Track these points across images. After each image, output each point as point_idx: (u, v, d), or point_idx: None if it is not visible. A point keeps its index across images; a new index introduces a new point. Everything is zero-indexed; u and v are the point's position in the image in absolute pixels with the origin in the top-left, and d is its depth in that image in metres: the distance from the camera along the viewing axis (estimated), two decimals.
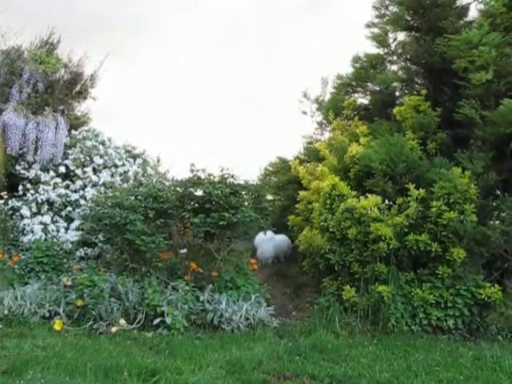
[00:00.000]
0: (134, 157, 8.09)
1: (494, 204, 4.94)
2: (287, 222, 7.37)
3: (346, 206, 5.11)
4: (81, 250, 6.57)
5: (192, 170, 5.85)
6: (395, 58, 6.22)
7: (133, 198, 5.79)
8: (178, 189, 5.86)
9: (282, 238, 7.95)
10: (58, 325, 4.75)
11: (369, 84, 7.40)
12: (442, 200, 4.74)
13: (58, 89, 7.76)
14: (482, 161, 4.79)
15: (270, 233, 7.33)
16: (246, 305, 5.21)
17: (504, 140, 4.73)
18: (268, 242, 7.41)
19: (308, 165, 7.18)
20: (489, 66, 4.64)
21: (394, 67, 6.42)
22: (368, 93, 7.48)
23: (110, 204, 5.57)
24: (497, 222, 4.68)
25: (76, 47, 8.15)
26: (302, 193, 6.56)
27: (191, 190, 5.66)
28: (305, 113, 8.49)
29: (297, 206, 6.69)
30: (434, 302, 4.97)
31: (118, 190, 5.95)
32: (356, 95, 7.68)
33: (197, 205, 5.52)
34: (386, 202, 5.24)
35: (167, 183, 8.18)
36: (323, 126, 8.25)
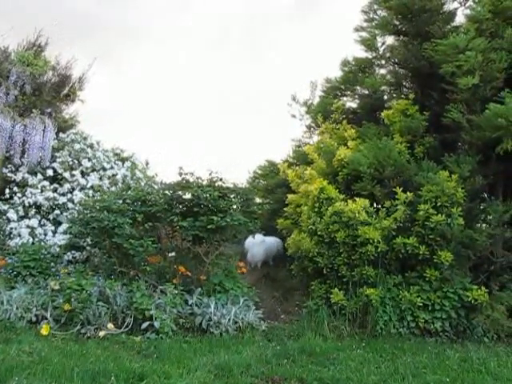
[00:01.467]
0: (123, 160, 8.04)
1: (481, 207, 4.99)
2: (276, 226, 7.38)
3: (334, 209, 5.14)
4: (68, 253, 6.51)
5: (180, 174, 5.84)
6: (383, 61, 6.26)
7: (121, 201, 5.76)
8: (167, 192, 5.84)
9: (272, 241, 7.96)
10: (45, 329, 4.70)
11: (357, 88, 7.45)
12: (429, 203, 4.78)
13: (45, 91, 7.70)
14: (469, 165, 4.84)
15: (259, 236, 7.34)
16: (234, 308, 5.20)
17: (490, 144, 4.79)
18: (259, 245, 7.41)
19: (297, 168, 7.21)
20: (475, 70, 4.70)
21: (383, 71, 6.49)
22: (357, 96, 7.53)
23: (98, 207, 5.53)
24: (483, 225, 4.72)
25: (65, 50, 8.09)
26: (290, 196, 6.58)
27: (180, 193, 5.64)
28: (294, 116, 8.53)
29: (285, 209, 6.71)
30: (421, 304, 5.01)
31: (107, 193, 5.91)
32: (345, 99, 7.73)
33: (185, 208, 5.50)
34: (375, 205, 5.27)
35: (156, 186, 8.19)
36: (312, 129, 8.29)
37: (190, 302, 5.29)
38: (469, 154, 4.94)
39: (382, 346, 4.68)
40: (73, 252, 6.56)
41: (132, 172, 7.79)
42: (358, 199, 5.11)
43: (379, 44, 6.08)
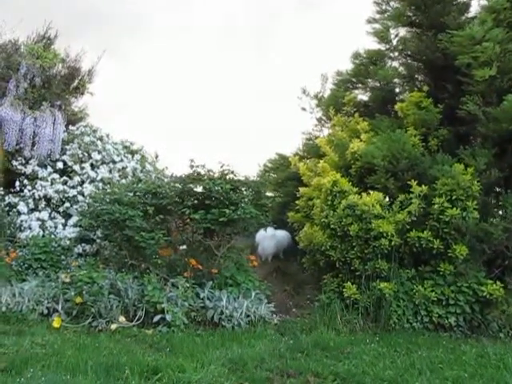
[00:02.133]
0: (132, 153, 8.03)
1: (496, 201, 4.91)
2: (287, 219, 7.33)
3: (347, 202, 5.08)
4: (79, 246, 6.51)
5: (192, 166, 5.80)
6: (396, 54, 6.17)
7: (131, 194, 5.73)
8: (178, 185, 5.80)
9: (282, 234, 7.92)
10: (56, 322, 4.70)
11: (369, 80, 7.36)
12: (444, 197, 4.71)
13: (55, 84, 7.68)
14: (485, 157, 4.76)
15: (270, 229, 7.29)
16: (246, 302, 5.17)
17: (506, 137, 4.70)
18: (270, 238, 7.37)
19: (308, 161, 7.14)
20: (492, 62, 4.60)
21: (395, 63, 6.38)
22: (368, 89, 7.44)
23: (108, 200, 5.51)
24: (498, 219, 4.64)
25: (73, 43, 8.06)
26: (302, 189, 6.52)
27: (191, 186, 5.60)
28: (304, 109, 8.45)
29: (297, 202, 6.65)
30: (435, 299, 4.94)
31: (117, 186, 5.88)
32: (356, 91, 7.64)
33: (196, 201, 5.46)
34: (388, 198, 5.20)
35: (166, 179, 8.17)
36: (322, 122, 8.21)
37: (201, 296, 5.26)
38: (484, 147, 4.86)
39: (396, 341, 4.63)
40: (83, 245, 6.56)
41: (142, 165, 7.77)
42: (371, 192, 5.04)
43: (392, 36, 6.00)
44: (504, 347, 4.45)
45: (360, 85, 7.55)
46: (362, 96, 7.59)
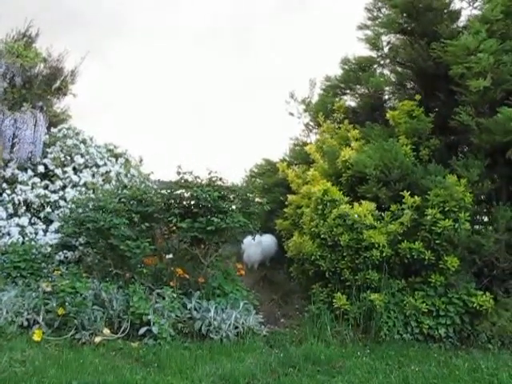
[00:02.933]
0: (116, 156, 7.81)
1: (488, 212, 4.90)
2: (274, 226, 7.23)
3: (338, 212, 5.00)
4: (60, 253, 6.29)
5: (179, 173, 5.65)
6: (388, 61, 6.13)
7: (116, 200, 5.56)
8: (164, 191, 5.65)
9: (269, 241, 7.79)
10: (37, 335, 4.49)
11: (358, 86, 7.34)
12: (436, 208, 4.67)
13: (36, 84, 7.44)
14: (478, 169, 4.75)
15: (257, 236, 7.17)
16: (234, 313, 5.05)
17: (499, 148, 4.70)
18: (255, 245, 7.25)
19: (296, 168, 7.06)
20: (486, 72, 4.59)
21: (386, 71, 6.35)
22: (357, 96, 7.41)
23: (92, 207, 5.33)
24: (490, 231, 4.63)
25: (55, 42, 7.82)
26: (290, 197, 6.42)
27: (178, 193, 5.45)
28: (292, 114, 8.36)
29: (285, 210, 6.55)
30: (426, 310, 4.91)
31: (102, 192, 5.69)
32: (345, 97, 7.61)
33: (183, 209, 5.32)
34: (380, 208, 5.15)
35: (151, 184, 7.98)
36: (310, 127, 8.14)
37: (188, 306, 5.12)
38: (477, 158, 4.84)
39: (387, 353, 4.57)
40: (65, 252, 6.34)
41: (126, 169, 7.57)
42: (363, 202, 4.98)
43: (384, 43, 5.95)
44: (495, 360, 4.41)
45: (349, 91, 7.51)
46: (351, 102, 7.56)
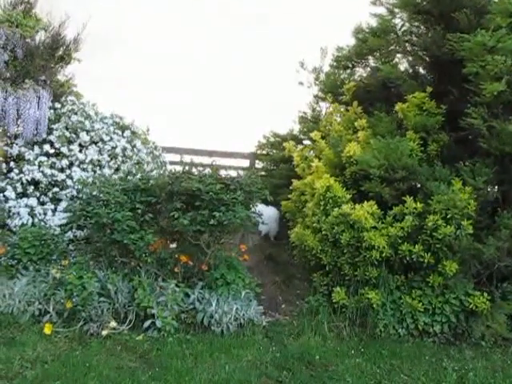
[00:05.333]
0: (123, 128, 7.73)
1: (491, 220, 4.82)
2: (280, 202, 7.24)
3: (339, 212, 4.98)
4: (69, 232, 6.45)
5: (182, 162, 5.62)
6: (400, 44, 5.75)
7: (119, 191, 5.58)
8: (168, 179, 5.64)
9: (271, 214, 7.82)
10: (47, 328, 4.75)
11: (370, 58, 7.00)
12: (439, 214, 4.61)
13: (38, 55, 7.21)
14: (485, 176, 4.60)
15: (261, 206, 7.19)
16: (235, 305, 5.22)
17: (508, 156, 4.51)
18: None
19: (301, 147, 6.93)
20: (503, 75, 4.30)
21: (398, 55, 5.97)
22: (369, 69, 7.08)
23: (94, 198, 5.38)
24: (492, 239, 4.58)
25: (53, 7, 7.47)
26: (295, 182, 6.37)
27: (183, 184, 5.44)
28: (301, 83, 8.06)
29: (290, 196, 6.52)
30: (422, 310, 5.01)
31: (105, 184, 5.67)
32: (356, 70, 7.30)
33: (185, 203, 5.35)
34: (382, 207, 5.10)
35: (158, 154, 7.96)
36: (318, 100, 7.88)
37: (191, 298, 5.31)
38: (485, 164, 4.68)
39: (380, 353, 4.75)
40: (73, 231, 6.49)
41: (132, 144, 7.52)
42: (365, 204, 4.93)
43: (398, 25, 5.55)
44: (485, 362, 4.58)
45: (360, 63, 7.18)
46: (363, 76, 7.24)
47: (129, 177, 5.95)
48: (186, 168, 5.61)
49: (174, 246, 5.81)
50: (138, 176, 5.88)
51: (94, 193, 5.62)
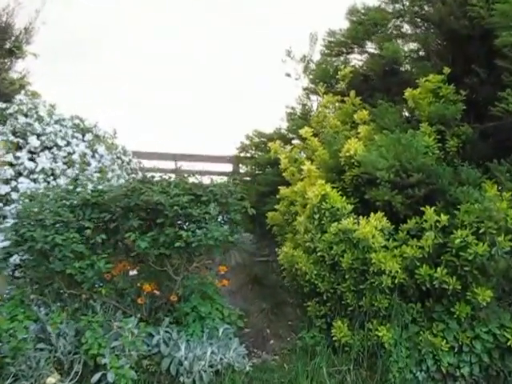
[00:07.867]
0: (83, 131, 6.66)
1: None
2: (265, 214, 6.11)
3: (339, 227, 3.91)
4: (15, 256, 5.33)
5: (141, 169, 4.54)
6: (407, 18, 4.72)
7: (65, 206, 4.50)
8: (124, 191, 4.53)
9: None
10: None
11: (368, 43, 5.99)
12: (468, 229, 3.55)
13: None
14: None
15: None
16: (211, 347, 4.16)
17: None
18: None
19: (289, 147, 5.86)
20: None
21: (404, 30, 4.94)
22: (366, 55, 6.06)
23: (35, 220, 4.29)
24: None
25: None
26: (282, 190, 5.27)
27: (141, 197, 4.35)
28: (288, 75, 7.00)
29: (276, 206, 5.42)
30: (446, 349, 3.94)
31: (42, 198, 4.58)
32: (352, 56, 6.28)
33: (145, 221, 4.28)
34: (393, 220, 4.04)
35: (127, 160, 6.86)
36: (308, 92, 6.84)
37: (155, 339, 4.22)
38: None
39: None
40: (21, 254, 5.39)
41: (93, 149, 6.44)
42: (371, 217, 3.86)
43: None
44: None
45: (357, 48, 6.16)
46: (359, 62, 6.22)
47: (78, 188, 4.84)
48: (149, 176, 4.52)
49: (134, 273, 4.71)
50: (90, 187, 4.77)
51: (35, 209, 4.53)
